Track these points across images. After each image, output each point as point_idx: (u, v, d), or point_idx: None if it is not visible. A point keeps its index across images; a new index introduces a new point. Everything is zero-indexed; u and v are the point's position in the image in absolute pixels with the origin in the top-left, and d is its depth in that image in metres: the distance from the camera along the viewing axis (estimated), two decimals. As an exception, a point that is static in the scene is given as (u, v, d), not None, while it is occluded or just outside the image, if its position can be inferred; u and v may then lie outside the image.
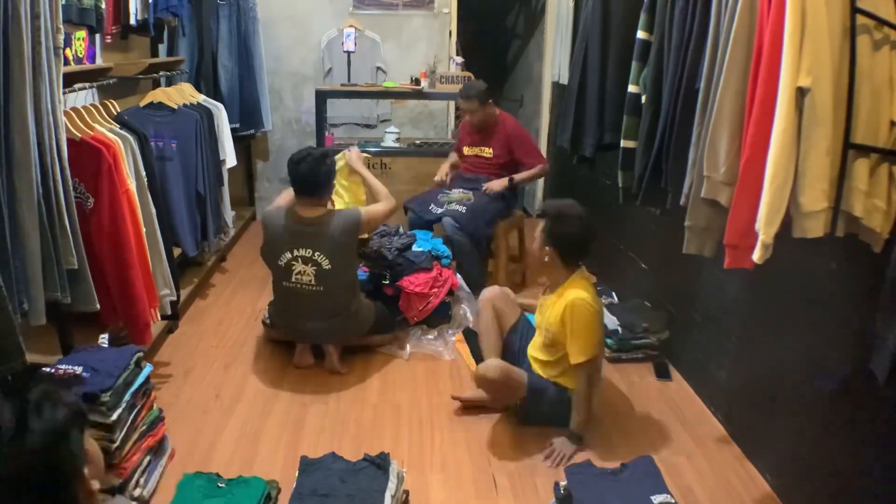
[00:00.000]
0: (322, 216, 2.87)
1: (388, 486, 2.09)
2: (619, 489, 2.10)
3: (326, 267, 2.84)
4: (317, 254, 2.83)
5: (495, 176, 3.89)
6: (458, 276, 3.58)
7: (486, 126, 3.89)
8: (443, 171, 4.04)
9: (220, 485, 2.12)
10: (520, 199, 5.43)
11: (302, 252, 2.84)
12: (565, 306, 2.42)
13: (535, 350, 2.66)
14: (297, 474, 2.18)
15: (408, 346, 3.25)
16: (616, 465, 2.21)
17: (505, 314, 2.85)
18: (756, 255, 1.58)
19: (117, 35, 3.32)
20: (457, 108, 5.35)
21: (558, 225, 2.49)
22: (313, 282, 2.86)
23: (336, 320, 2.96)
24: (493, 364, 2.57)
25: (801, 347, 2.17)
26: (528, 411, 2.59)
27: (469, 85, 3.91)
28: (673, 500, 2.04)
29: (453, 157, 4.19)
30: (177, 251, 3.34)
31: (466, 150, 4.03)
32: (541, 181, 5.44)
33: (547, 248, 2.51)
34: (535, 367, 2.61)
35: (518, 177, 3.89)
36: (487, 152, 3.94)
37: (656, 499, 2.05)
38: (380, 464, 2.18)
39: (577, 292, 2.44)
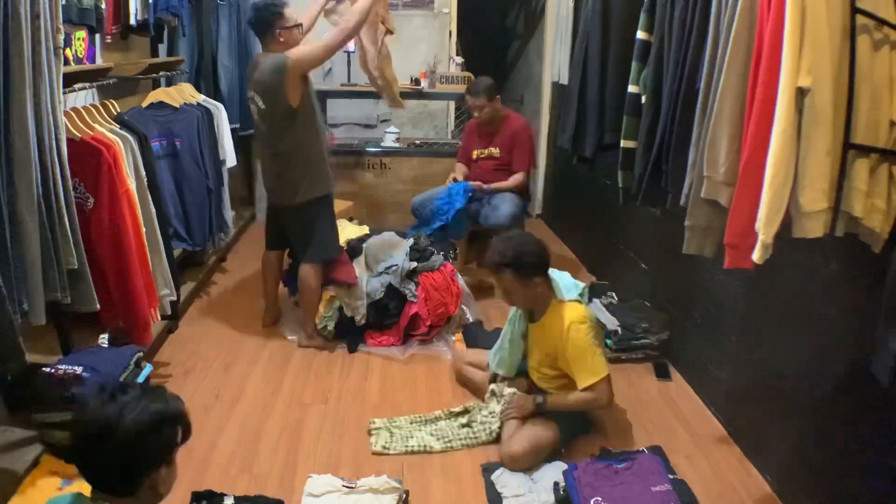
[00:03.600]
0: (260, 59, 3.05)
1: None
2: (621, 483, 2.10)
3: (262, 106, 3.04)
4: (254, 93, 3.07)
5: (504, 174, 3.87)
6: (459, 277, 3.57)
7: (493, 124, 3.87)
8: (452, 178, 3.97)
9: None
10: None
11: (250, 93, 3.12)
12: (562, 334, 2.36)
13: (537, 366, 2.57)
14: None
15: (408, 349, 3.26)
16: (619, 458, 2.22)
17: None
18: (756, 255, 1.58)
19: (117, 35, 3.32)
20: (457, 108, 5.35)
21: (521, 260, 2.36)
22: (258, 119, 3.12)
23: (274, 167, 3.12)
24: (517, 440, 2.38)
25: (801, 347, 2.17)
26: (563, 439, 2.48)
27: (477, 81, 3.87)
28: (671, 488, 2.05)
29: (461, 167, 4.07)
30: (177, 251, 3.35)
31: (476, 154, 3.98)
32: (541, 183, 5.44)
33: (533, 283, 2.39)
34: (542, 382, 2.56)
35: (495, 186, 3.82)
36: (496, 152, 3.91)
37: (657, 488, 2.06)
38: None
39: (570, 315, 2.36)
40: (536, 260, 2.39)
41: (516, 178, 3.84)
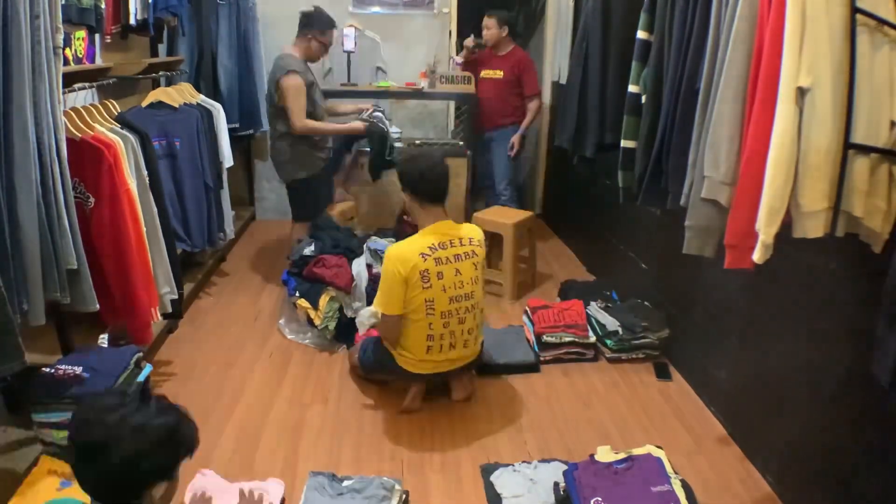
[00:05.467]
0: (283, 52, 3.70)
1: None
2: (620, 483, 2.10)
3: (267, 93, 3.73)
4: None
5: (507, 94, 4.53)
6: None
7: (499, 51, 4.50)
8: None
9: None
10: (524, 196, 5.46)
11: None
12: None
13: None
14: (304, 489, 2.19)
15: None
16: (621, 457, 2.22)
17: None
18: (756, 256, 1.58)
19: (117, 35, 3.32)
20: (457, 108, 5.35)
21: (408, 166, 2.62)
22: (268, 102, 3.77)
23: (272, 147, 3.79)
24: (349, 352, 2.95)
25: (802, 347, 2.17)
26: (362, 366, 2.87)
27: (498, 10, 4.44)
28: (671, 488, 2.05)
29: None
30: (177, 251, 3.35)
31: (483, 74, 4.58)
32: (541, 180, 5.45)
33: (407, 197, 2.62)
34: None
35: (524, 125, 4.60)
36: (499, 73, 4.51)
37: (657, 489, 2.06)
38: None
39: (399, 242, 2.61)
40: (408, 176, 2.61)
41: (534, 107, 4.59)
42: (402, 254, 2.51)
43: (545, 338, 3.15)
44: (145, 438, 1.24)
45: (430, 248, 2.52)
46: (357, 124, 3.83)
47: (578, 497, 2.07)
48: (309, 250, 3.47)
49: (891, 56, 1.51)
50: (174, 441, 1.30)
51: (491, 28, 4.44)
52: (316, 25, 3.67)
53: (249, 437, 2.56)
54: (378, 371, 2.81)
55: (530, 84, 4.54)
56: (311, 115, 3.63)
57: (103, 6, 2.95)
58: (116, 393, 1.34)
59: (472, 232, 2.68)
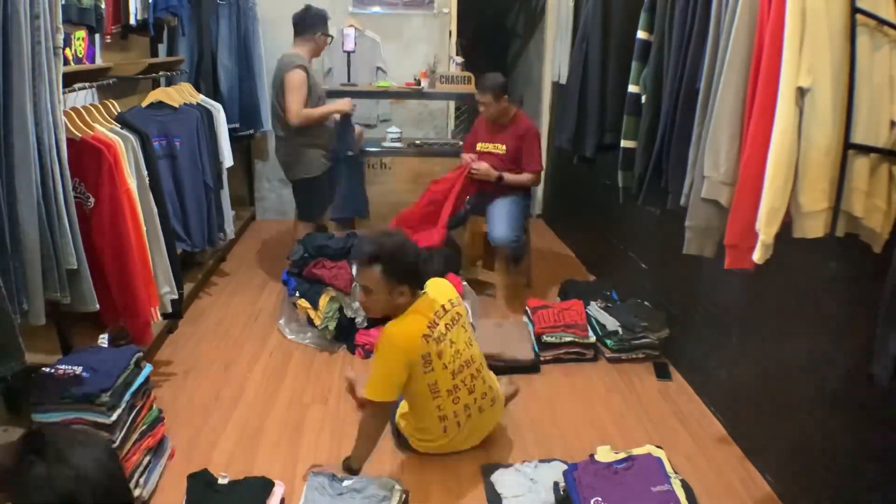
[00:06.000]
0: (285, 55, 3.73)
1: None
2: (620, 483, 2.10)
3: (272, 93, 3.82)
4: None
5: (507, 171, 3.83)
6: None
7: (500, 121, 3.85)
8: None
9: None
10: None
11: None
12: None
13: None
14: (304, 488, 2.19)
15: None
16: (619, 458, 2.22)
17: None
18: (756, 256, 1.58)
19: (117, 35, 3.32)
20: (457, 108, 5.36)
21: (403, 257, 2.26)
22: (273, 101, 3.82)
23: (277, 146, 3.89)
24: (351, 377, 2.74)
25: (802, 347, 2.17)
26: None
27: (486, 77, 3.82)
28: (670, 488, 2.05)
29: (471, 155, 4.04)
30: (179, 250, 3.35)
31: (480, 147, 3.93)
32: (541, 183, 5.43)
33: (398, 289, 2.26)
34: None
35: (508, 177, 3.78)
36: (501, 148, 3.85)
37: (657, 489, 2.06)
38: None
39: (392, 324, 2.27)
40: (411, 265, 2.27)
41: (527, 176, 3.83)
42: (407, 336, 2.24)
43: (545, 338, 3.15)
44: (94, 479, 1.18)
45: (428, 327, 2.27)
46: (344, 102, 3.85)
47: (578, 497, 2.07)
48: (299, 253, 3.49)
49: (891, 56, 1.51)
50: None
51: (489, 105, 3.77)
52: (319, 24, 3.73)
53: (249, 437, 2.56)
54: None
55: (531, 161, 3.82)
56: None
57: (103, 6, 2.96)
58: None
59: (446, 293, 2.43)
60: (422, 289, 2.35)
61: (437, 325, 2.30)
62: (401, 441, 2.51)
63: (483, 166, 3.75)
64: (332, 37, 3.82)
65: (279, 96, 3.63)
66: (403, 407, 2.49)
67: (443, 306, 2.36)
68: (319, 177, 3.82)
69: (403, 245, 2.30)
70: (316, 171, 3.79)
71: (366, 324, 3.29)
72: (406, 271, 2.26)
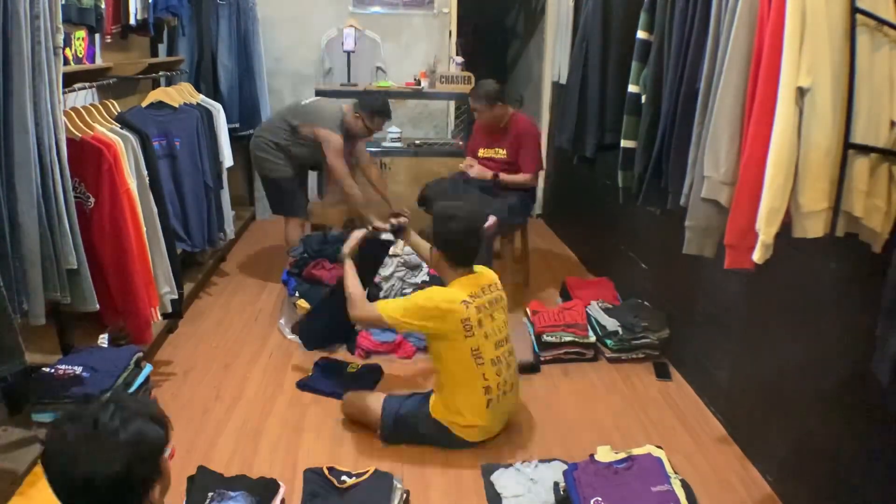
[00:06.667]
0: (327, 103, 3.90)
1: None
2: (620, 483, 2.10)
3: (294, 122, 3.80)
4: (304, 107, 3.87)
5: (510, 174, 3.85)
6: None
7: (498, 126, 3.84)
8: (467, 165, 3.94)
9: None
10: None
11: (305, 101, 3.96)
12: None
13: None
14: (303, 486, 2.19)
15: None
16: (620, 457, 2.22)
17: None
18: (756, 255, 1.58)
19: (117, 35, 3.32)
20: (457, 108, 5.36)
21: (443, 226, 2.46)
22: (288, 114, 3.88)
23: None
24: (348, 398, 2.65)
25: (801, 347, 2.17)
26: (383, 433, 2.52)
27: (479, 85, 3.83)
28: (670, 488, 2.05)
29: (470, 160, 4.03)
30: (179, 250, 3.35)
31: (481, 153, 3.93)
32: (540, 181, 5.42)
33: (433, 249, 2.50)
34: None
35: (504, 177, 3.78)
36: (501, 153, 3.87)
37: (657, 489, 2.06)
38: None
39: (438, 287, 2.49)
40: (441, 237, 2.47)
41: (523, 176, 3.82)
42: (446, 297, 2.41)
43: (545, 338, 3.15)
44: (118, 459, 1.19)
45: (470, 296, 2.42)
46: (356, 197, 3.75)
47: (578, 497, 2.07)
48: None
49: (891, 56, 1.51)
50: (146, 448, 1.24)
51: (482, 112, 3.77)
52: (365, 108, 3.69)
53: (249, 437, 2.56)
54: (418, 440, 2.53)
55: (527, 161, 3.80)
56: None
57: (103, 6, 2.96)
58: (78, 417, 1.24)
59: (490, 276, 2.59)
60: (466, 268, 2.50)
61: (480, 296, 2.45)
62: (440, 434, 2.47)
63: (476, 169, 3.80)
64: (374, 130, 3.78)
65: (301, 126, 3.72)
66: (438, 400, 2.49)
67: (488, 285, 2.52)
68: (285, 179, 3.86)
69: (449, 218, 2.46)
70: (280, 174, 3.84)
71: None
72: (443, 241, 2.47)
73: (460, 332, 2.37)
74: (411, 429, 2.48)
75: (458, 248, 2.49)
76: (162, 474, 1.29)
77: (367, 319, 2.58)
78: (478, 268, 2.58)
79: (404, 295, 3.31)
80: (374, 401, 2.55)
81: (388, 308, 2.46)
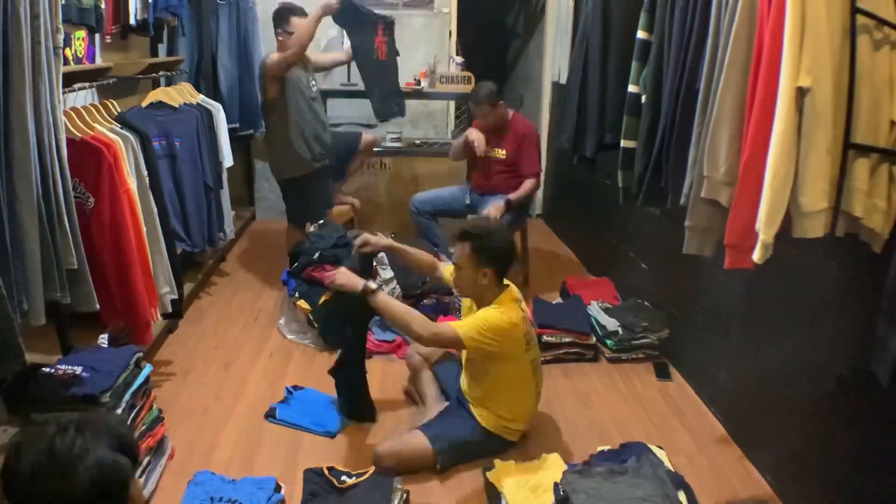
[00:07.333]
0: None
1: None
2: (618, 486, 2.10)
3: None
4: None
5: (508, 176, 3.85)
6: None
7: (497, 127, 3.85)
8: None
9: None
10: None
11: None
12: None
13: (465, 370, 2.58)
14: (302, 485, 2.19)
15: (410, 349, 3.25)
16: (618, 461, 2.21)
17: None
18: (756, 256, 1.57)
19: (117, 35, 3.32)
20: (457, 108, 5.35)
21: (491, 242, 2.38)
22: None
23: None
24: (382, 451, 2.38)
25: (802, 347, 2.17)
26: (443, 463, 2.40)
27: (478, 87, 3.84)
28: (659, 499, 2.04)
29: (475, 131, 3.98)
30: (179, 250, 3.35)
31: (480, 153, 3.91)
32: (541, 183, 5.44)
33: (482, 270, 2.36)
34: (466, 396, 2.56)
35: (513, 196, 3.76)
36: (500, 154, 3.87)
37: (655, 489, 2.05)
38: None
39: (496, 308, 2.35)
40: (498, 251, 2.39)
41: (529, 185, 3.82)
42: (513, 317, 2.35)
43: (545, 338, 3.15)
44: (77, 495, 1.09)
45: (523, 311, 2.44)
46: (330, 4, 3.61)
47: (578, 496, 2.06)
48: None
49: (891, 56, 1.51)
50: (107, 480, 1.13)
51: (487, 114, 3.79)
52: (278, 23, 3.68)
53: (249, 436, 2.56)
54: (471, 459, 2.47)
55: (529, 162, 3.85)
56: (288, 116, 3.67)
57: (103, 6, 2.95)
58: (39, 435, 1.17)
59: (517, 291, 2.53)
60: (503, 281, 2.46)
61: (525, 311, 2.48)
62: (494, 444, 2.46)
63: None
64: (292, 33, 3.62)
65: (259, 91, 3.77)
66: (486, 412, 2.46)
67: (521, 299, 2.50)
68: (308, 176, 3.76)
69: (495, 231, 2.46)
70: (302, 171, 3.74)
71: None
72: (492, 256, 2.37)
73: (521, 346, 2.41)
74: (471, 449, 2.44)
75: (508, 260, 2.45)
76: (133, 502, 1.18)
77: (441, 337, 2.37)
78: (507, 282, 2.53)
79: (404, 295, 3.34)
80: (414, 441, 2.41)
81: (464, 328, 2.32)
